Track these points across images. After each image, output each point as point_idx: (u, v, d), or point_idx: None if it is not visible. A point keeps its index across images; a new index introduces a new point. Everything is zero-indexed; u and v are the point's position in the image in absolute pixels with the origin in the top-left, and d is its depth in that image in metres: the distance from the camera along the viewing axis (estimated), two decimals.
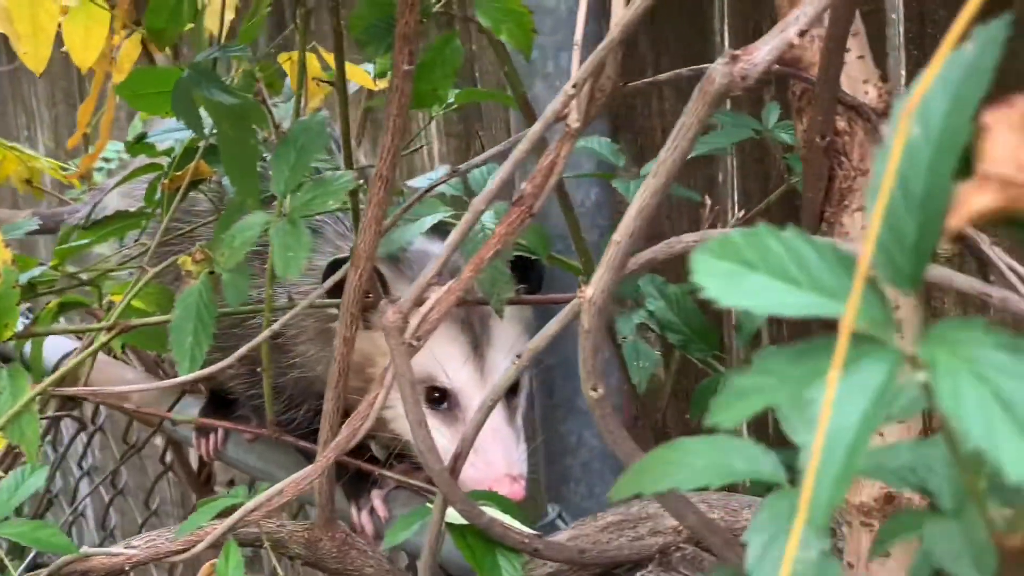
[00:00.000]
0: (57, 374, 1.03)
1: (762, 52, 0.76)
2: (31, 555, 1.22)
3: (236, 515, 0.92)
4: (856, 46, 0.85)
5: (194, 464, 1.66)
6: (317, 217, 1.20)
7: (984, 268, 0.92)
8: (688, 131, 0.73)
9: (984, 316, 1.06)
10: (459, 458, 0.89)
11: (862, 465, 0.45)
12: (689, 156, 1.11)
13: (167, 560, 0.97)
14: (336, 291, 0.98)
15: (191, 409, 1.43)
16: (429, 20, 0.93)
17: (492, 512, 0.92)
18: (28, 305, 1.36)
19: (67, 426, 2.05)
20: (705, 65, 0.74)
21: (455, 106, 1.21)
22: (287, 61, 1.09)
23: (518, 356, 0.84)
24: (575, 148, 1.25)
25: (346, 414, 0.95)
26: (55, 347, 1.43)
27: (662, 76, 0.95)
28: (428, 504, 0.94)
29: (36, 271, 1.10)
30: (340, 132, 0.98)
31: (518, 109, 1.05)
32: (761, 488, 0.95)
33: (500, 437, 1.10)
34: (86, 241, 1.13)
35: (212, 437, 1.39)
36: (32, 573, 1.00)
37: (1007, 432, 0.32)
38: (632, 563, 0.97)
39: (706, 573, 0.84)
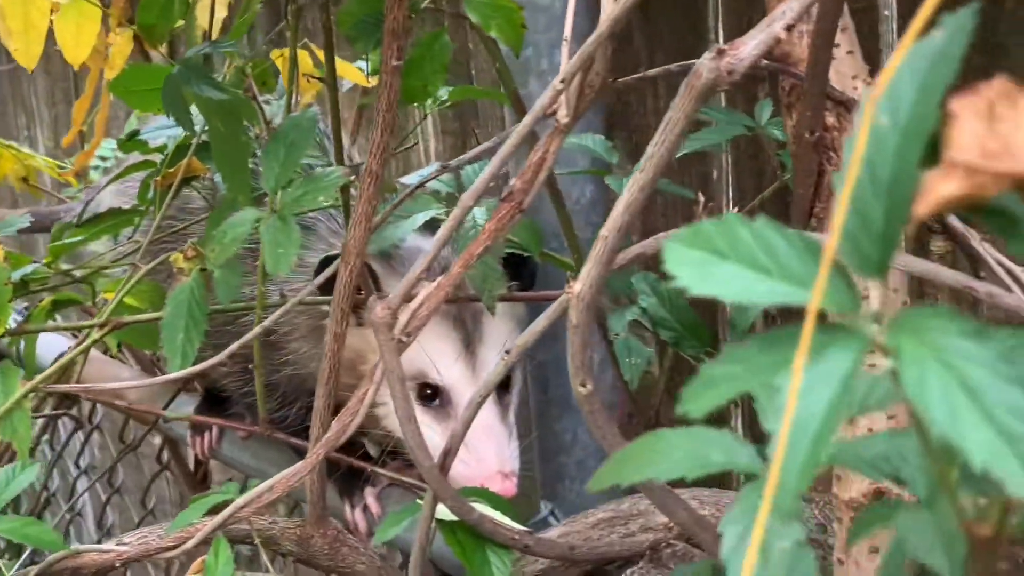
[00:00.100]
0: (49, 370, 1.03)
1: (749, 47, 0.76)
2: (27, 553, 1.22)
3: (227, 511, 0.92)
4: (845, 42, 0.85)
5: (191, 463, 1.66)
6: (310, 214, 1.20)
7: (975, 265, 0.92)
8: (676, 126, 0.73)
9: (977, 313, 1.06)
10: (449, 454, 0.89)
11: (838, 456, 0.45)
12: (683, 153, 1.12)
13: (158, 557, 0.97)
14: (328, 288, 0.97)
15: (186, 407, 1.43)
16: (423, 16, 0.93)
17: (482, 508, 0.92)
18: (25, 304, 1.37)
19: (66, 425, 2.06)
20: (695, 60, 0.74)
21: (448, 103, 1.21)
22: (279, 58, 1.09)
23: (507, 352, 0.84)
24: (570, 145, 1.26)
25: (338, 410, 0.95)
26: (51, 346, 1.43)
27: (651, 71, 0.94)
28: (419, 501, 0.94)
29: (29, 268, 1.10)
30: (332, 128, 0.98)
31: (511, 106, 1.05)
32: None
33: (492, 434, 1.10)
34: (79, 238, 1.13)
35: (207, 435, 1.39)
36: (23, 570, 1.00)
37: (972, 420, 0.32)
38: (623, 559, 0.97)
39: (689, 566, 0.84)
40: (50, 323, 1.14)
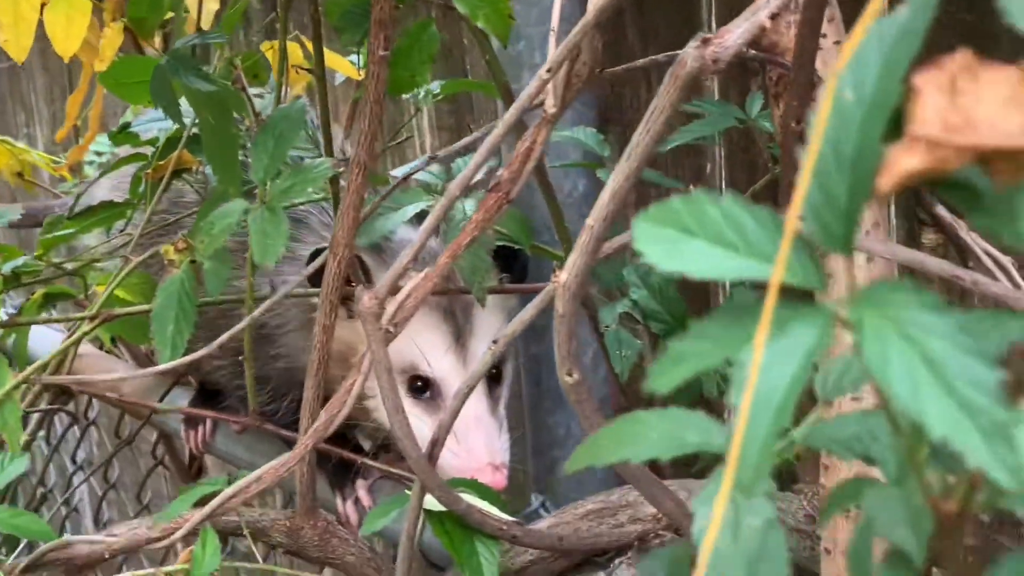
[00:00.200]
0: (39, 362, 1.03)
1: (734, 36, 0.76)
2: (23, 545, 1.22)
3: (215, 502, 0.92)
4: (832, 32, 0.85)
5: (186, 458, 1.66)
6: (302, 207, 1.20)
7: (964, 255, 0.92)
8: (661, 114, 0.73)
9: (967, 303, 1.05)
10: (437, 444, 0.89)
11: (811, 438, 0.45)
12: (674, 144, 1.12)
13: (147, 547, 0.97)
14: (320, 281, 0.98)
15: (180, 401, 1.43)
16: (413, 7, 0.93)
17: (470, 499, 0.92)
18: (20, 302, 1.37)
19: (63, 421, 2.06)
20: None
21: (441, 97, 1.21)
22: (270, 50, 1.09)
23: (494, 342, 0.84)
24: (562, 138, 1.26)
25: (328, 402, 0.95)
26: (44, 341, 1.43)
27: (640, 61, 0.94)
28: (408, 492, 0.94)
29: (20, 261, 1.11)
30: (320, 120, 0.99)
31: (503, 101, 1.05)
32: None
33: (482, 426, 1.10)
34: (70, 231, 1.13)
35: (200, 429, 1.39)
36: (14, 561, 1.00)
37: (933, 392, 0.32)
38: (612, 550, 0.97)
39: (668, 548, 0.84)
40: (42, 315, 1.14)
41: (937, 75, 0.34)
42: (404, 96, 1.20)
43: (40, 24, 1.02)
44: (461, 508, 0.90)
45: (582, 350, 1.33)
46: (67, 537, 0.98)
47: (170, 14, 1.00)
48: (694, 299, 1.18)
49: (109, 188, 1.39)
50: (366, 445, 1.27)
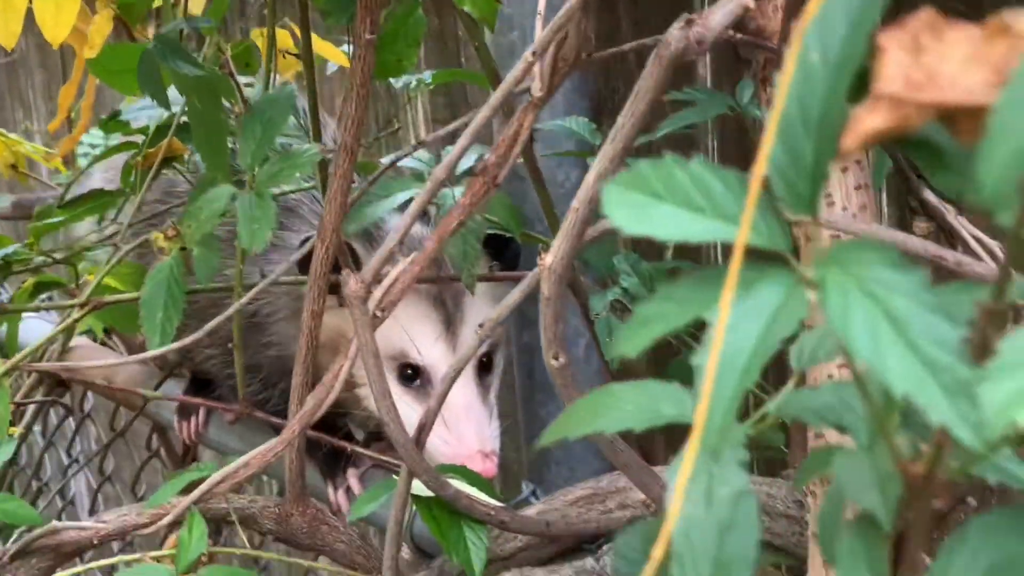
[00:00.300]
0: (28, 349, 1.03)
1: (717, 16, 0.76)
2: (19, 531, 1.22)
3: (202, 487, 0.92)
4: None
5: (180, 450, 1.66)
6: (293, 196, 1.20)
7: (952, 240, 0.92)
8: (645, 95, 0.73)
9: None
10: (424, 429, 0.89)
11: (784, 407, 0.45)
12: (664, 132, 1.12)
13: (136, 533, 0.97)
14: (309, 267, 0.97)
15: (173, 392, 1.43)
16: None
17: (457, 484, 0.91)
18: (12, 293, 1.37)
19: (59, 413, 2.06)
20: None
21: (433, 86, 1.21)
22: (260, 37, 1.09)
23: (480, 326, 0.83)
24: (554, 128, 1.26)
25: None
26: (37, 333, 1.43)
27: (627, 45, 0.94)
28: (397, 478, 0.94)
29: (10, 249, 1.11)
30: (308, 106, 0.98)
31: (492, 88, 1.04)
32: None
33: (473, 414, 1.09)
34: (60, 219, 1.13)
35: (193, 419, 1.39)
36: (3, 548, 1.00)
37: (895, 349, 0.32)
38: (601, 536, 0.97)
39: (645, 522, 0.84)
40: (31, 303, 1.14)
41: (901, 34, 0.34)
42: (397, 86, 1.20)
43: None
44: (448, 493, 0.90)
45: (574, 341, 1.33)
46: (55, 523, 0.98)
47: (159, 1, 1.00)
48: None
49: (102, 180, 1.39)
50: (358, 434, 1.27)
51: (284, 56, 1.10)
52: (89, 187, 1.30)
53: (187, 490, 0.96)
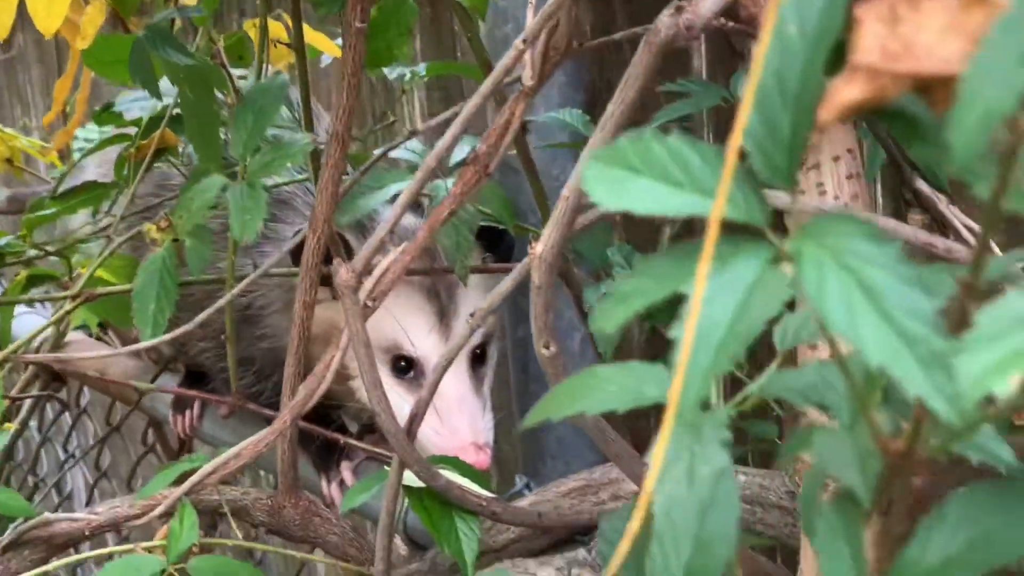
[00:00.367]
0: (20, 341, 1.03)
1: (707, 3, 0.75)
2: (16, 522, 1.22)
3: (194, 478, 0.92)
4: None
5: (175, 444, 1.66)
6: (287, 188, 1.20)
7: (944, 228, 0.92)
8: (635, 81, 0.73)
9: None
10: (415, 419, 0.89)
11: (768, 388, 0.45)
12: (659, 123, 1.11)
13: (127, 525, 0.97)
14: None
15: (168, 386, 1.43)
16: None
17: (450, 475, 0.91)
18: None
19: (55, 409, 2.06)
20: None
21: (426, 78, 1.21)
22: (252, 28, 1.09)
23: (471, 315, 0.83)
24: (548, 119, 1.26)
25: None
26: (30, 327, 1.43)
27: (619, 35, 0.94)
28: (387, 469, 0.94)
29: (2, 240, 1.10)
30: (300, 95, 0.98)
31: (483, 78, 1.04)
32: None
33: (466, 406, 1.09)
34: (53, 211, 1.13)
35: (188, 413, 1.39)
36: None
37: (870, 320, 0.32)
38: (594, 527, 0.96)
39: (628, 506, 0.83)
40: (23, 296, 1.14)
41: (878, 5, 0.34)
42: (391, 77, 1.20)
43: None
44: (440, 484, 0.89)
45: (570, 335, 1.33)
46: (47, 515, 0.97)
47: None
48: None
49: (96, 173, 1.38)
50: (351, 427, 1.27)
51: (275, 45, 1.10)
52: (80, 179, 1.30)
53: (179, 481, 0.96)
